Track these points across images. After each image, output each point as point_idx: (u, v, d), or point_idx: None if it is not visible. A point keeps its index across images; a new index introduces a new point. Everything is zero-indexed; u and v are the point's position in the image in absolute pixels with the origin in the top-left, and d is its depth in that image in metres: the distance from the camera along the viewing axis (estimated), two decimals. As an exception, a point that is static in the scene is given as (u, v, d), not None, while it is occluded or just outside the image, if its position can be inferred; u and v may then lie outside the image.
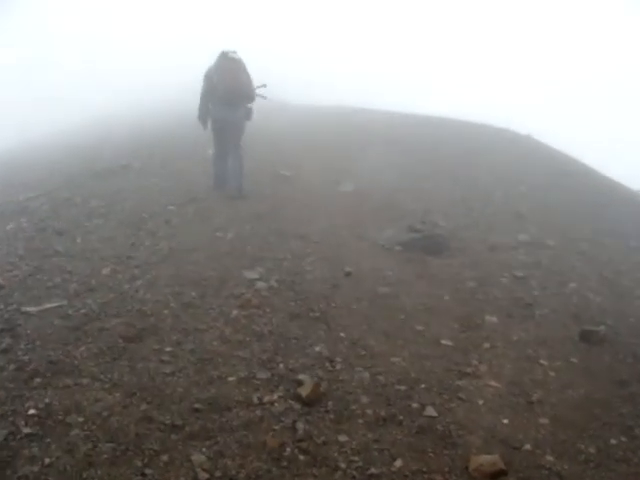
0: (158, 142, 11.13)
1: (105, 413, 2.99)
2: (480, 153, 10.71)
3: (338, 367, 3.67)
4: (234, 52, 6.57)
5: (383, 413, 3.21)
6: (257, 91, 6.70)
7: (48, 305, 4.02)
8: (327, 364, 3.68)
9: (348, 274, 5.04)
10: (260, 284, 4.62)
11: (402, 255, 5.84)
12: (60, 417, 2.93)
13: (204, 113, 6.83)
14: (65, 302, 4.09)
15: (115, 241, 5.42)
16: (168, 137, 11.71)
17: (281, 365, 3.62)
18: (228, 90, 6.39)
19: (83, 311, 3.98)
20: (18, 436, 2.75)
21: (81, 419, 2.92)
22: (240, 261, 5.06)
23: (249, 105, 6.69)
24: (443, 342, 4.15)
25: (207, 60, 6.85)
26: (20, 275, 4.53)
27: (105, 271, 4.66)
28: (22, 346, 3.52)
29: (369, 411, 3.22)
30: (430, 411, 3.26)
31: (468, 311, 4.74)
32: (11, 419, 2.87)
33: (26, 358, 3.38)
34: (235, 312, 4.18)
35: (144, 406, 3.09)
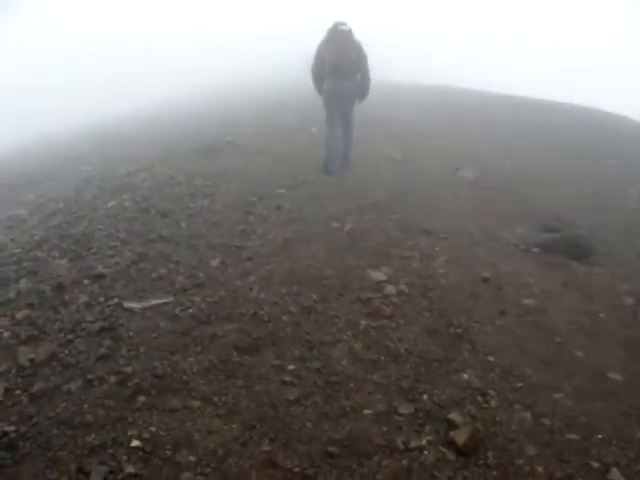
0: (262, 119, 10.65)
1: (220, 451, 2.38)
2: (604, 139, 9.36)
3: (493, 403, 2.87)
4: (343, 24, 6.35)
5: (558, 474, 2.42)
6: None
7: (153, 301, 3.48)
8: (479, 398, 2.89)
9: (486, 280, 4.17)
10: (389, 288, 3.84)
11: (541, 258, 4.89)
12: (168, 453, 2.35)
13: (319, 86, 6.60)
14: (171, 299, 3.54)
15: (222, 227, 4.83)
16: (272, 114, 11.22)
17: (425, 396, 2.86)
18: (333, 61, 6.23)
19: (191, 311, 3.40)
20: (120, 475, 2.20)
21: (193, 458, 2.34)
22: (363, 258, 4.31)
23: (360, 78, 6.40)
24: (610, 375, 3.24)
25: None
26: (122, 263, 4.03)
27: (214, 262, 4.07)
28: (124, 352, 2.98)
29: (539, 468, 2.44)
30: (616, 475, 2.44)
31: (633, 335, 3.75)
32: (111, 451, 2.34)
33: (129, 369, 2.83)
34: (364, 322, 3.46)
35: (266, 444, 2.45)
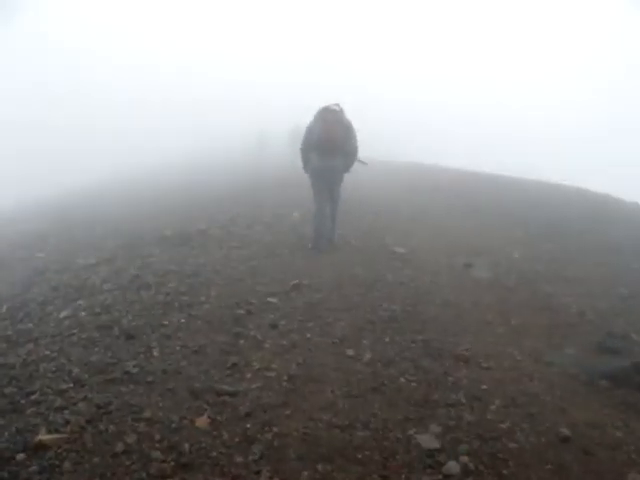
0: (239, 201, 9.85)
1: None
2: (621, 228, 8.86)
3: None
4: (336, 104, 6.62)
5: None
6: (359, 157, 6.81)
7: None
8: None
9: (566, 440, 3.19)
10: (450, 465, 2.80)
11: (616, 397, 3.80)
12: None
13: (306, 162, 6.80)
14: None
15: (207, 357, 3.80)
16: (249, 194, 10.45)
17: None
18: (322, 138, 6.42)
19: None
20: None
21: None
22: (398, 407, 3.33)
23: (348, 158, 6.66)
24: None
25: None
26: (74, 423, 2.91)
27: (201, 421, 3.02)
28: None
29: None
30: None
31: None
32: None
33: None
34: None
35: None
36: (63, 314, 4.60)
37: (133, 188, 14.54)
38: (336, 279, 5.69)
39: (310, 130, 6.59)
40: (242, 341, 4.07)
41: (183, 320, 4.38)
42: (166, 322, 4.31)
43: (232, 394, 3.30)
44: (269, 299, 4.95)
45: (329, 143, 6.42)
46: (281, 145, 21.80)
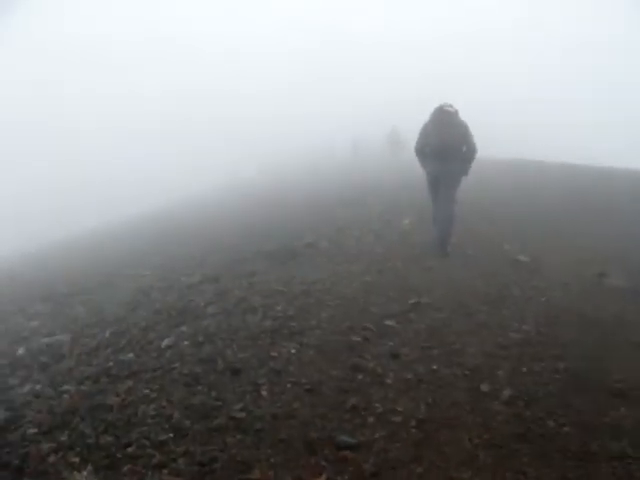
0: (344, 209, 9.37)
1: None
2: None
3: None
4: (450, 105, 6.34)
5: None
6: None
7: None
8: None
9: None
10: None
11: None
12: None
13: (424, 163, 6.55)
14: None
15: (322, 399, 3.25)
16: (354, 202, 9.94)
17: None
18: (437, 143, 6.17)
19: None
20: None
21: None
22: (554, 466, 2.59)
23: (465, 152, 6.23)
24: None
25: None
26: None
27: (318, 484, 2.47)
28: None
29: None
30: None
31: None
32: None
33: None
34: None
35: None
36: (165, 343, 4.28)
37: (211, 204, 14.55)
38: (457, 295, 4.99)
39: (425, 131, 6.38)
40: (360, 376, 3.48)
41: (293, 350, 3.87)
42: (275, 353, 3.82)
43: (354, 447, 2.72)
44: (386, 322, 4.34)
45: (444, 148, 6.13)
46: (377, 148, 21.21)
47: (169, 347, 4.20)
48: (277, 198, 13.99)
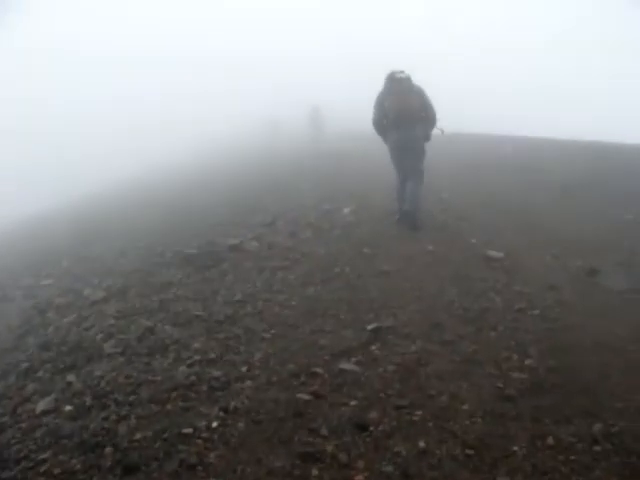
0: (274, 196, 8.24)
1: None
2: None
3: None
4: (401, 72, 6.05)
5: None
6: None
7: None
8: None
9: None
10: None
11: None
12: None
13: (384, 136, 6.30)
14: None
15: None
16: (286, 187, 8.80)
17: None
18: (395, 111, 5.94)
19: None
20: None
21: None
22: None
23: (425, 117, 6.06)
24: None
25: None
26: None
27: None
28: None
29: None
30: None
31: None
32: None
33: None
34: None
35: None
36: (41, 407, 3.06)
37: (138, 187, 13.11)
38: (427, 312, 4.02)
39: (380, 103, 6.08)
40: (316, 471, 2.40)
41: (215, 424, 2.73)
42: (189, 430, 2.67)
43: None
44: (342, 364, 3.28)
45: (404, 115, 5.90)
46: (298, 128, 19.93)
47: (45, 414, 2.98)
48: (199, 183, 12.63)
